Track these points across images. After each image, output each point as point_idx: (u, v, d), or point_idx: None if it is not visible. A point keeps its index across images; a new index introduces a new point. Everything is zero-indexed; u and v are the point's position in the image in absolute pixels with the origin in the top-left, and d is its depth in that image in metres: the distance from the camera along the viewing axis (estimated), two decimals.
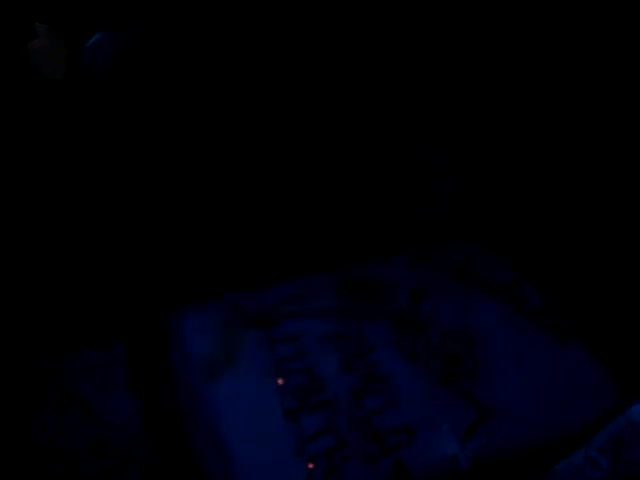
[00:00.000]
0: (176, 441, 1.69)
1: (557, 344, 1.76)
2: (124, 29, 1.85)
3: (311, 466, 1.53)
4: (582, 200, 2.03)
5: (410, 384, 1.66)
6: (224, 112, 1.97)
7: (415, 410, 1.62)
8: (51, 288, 1.91)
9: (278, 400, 1.62)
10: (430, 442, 1.58)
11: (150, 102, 1.87)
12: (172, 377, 1.75)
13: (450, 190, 2.17)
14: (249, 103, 1.99)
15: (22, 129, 1.82)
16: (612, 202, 1.98)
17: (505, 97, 2.06)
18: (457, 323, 1.77)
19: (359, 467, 1.54)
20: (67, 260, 1.91)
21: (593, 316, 1.86)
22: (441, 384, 1.66)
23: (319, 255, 2.04)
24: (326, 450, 1.56)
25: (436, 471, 1.55)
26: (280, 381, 1.66)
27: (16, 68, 1.79)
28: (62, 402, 1.76)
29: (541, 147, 2.09)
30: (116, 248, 1.89)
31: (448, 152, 2.17)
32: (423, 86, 2.05)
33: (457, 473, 1.56)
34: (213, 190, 2.04)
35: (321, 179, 2.05)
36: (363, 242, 2.16)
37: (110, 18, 1.88)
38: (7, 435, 1.71)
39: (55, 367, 1.81)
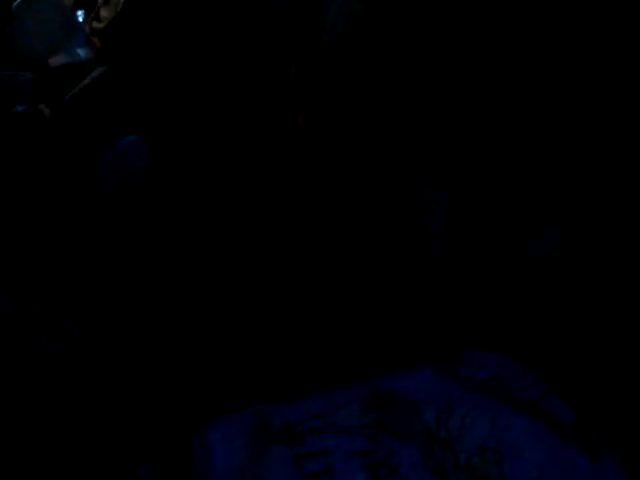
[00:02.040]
0: None
1: (588, 460, 1.73)
2: None
3: None
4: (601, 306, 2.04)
5: None
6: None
7: None
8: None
9: None
10: None
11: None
12: None
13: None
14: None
15: None
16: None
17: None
18: (486, 440, 1.74)
19: None
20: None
21: (622, 424, 1.83)
22: None
23: (342, 364, 2.04)
24: None
25: None
26: None
27: None
28: None
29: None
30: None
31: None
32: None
33: None
34: (230, 304, 2.07)
35: (340, 292, 2.08)
36: (386, 349, 2.15)
37: None
38: None
39: None
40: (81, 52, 2.68)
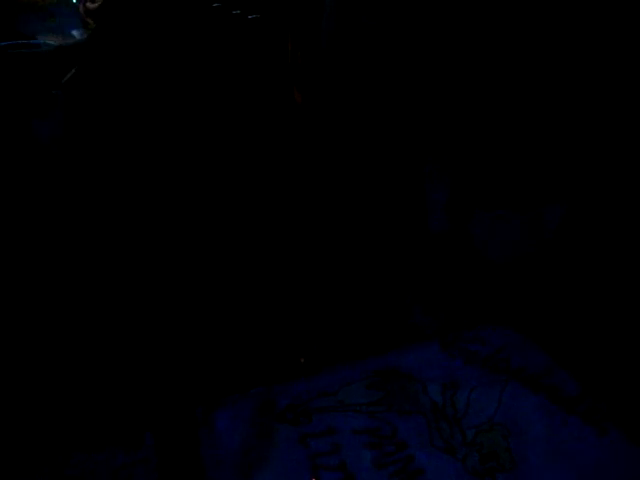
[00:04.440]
0: None
1: (594, 433, 1.72)
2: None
3: None
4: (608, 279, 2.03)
5: None
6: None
7: None
8: (78, 381, 1.91)
9: None
10: None
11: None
12: (203, 474, 1.72)
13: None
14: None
15: None
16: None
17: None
18: (492, 415, 1.74)
19: None
20: (94, 353, 1.92)
21: (627, 395, 1.83)
22: (478, 479, 1.63)
23: (348, 344, 2.03)
24: None
25: None
26: (314, 479, 1.63)
27: None
28: None
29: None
30: (145, 341, 1.89)
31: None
32: None
33: None
34: (240, 284, 2.06)
35: (349, 269, 2.07)
36: (391, 327, 2.15)
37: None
38: None
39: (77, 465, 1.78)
40: (75, 33, 2.64)
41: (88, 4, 2.49)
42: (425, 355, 1.92)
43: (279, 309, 2.06)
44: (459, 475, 1.62)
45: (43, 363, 1.89)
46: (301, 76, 2.14)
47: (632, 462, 1.66)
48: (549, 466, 1.63)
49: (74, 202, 1.86)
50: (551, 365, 1.88)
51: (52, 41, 2.56)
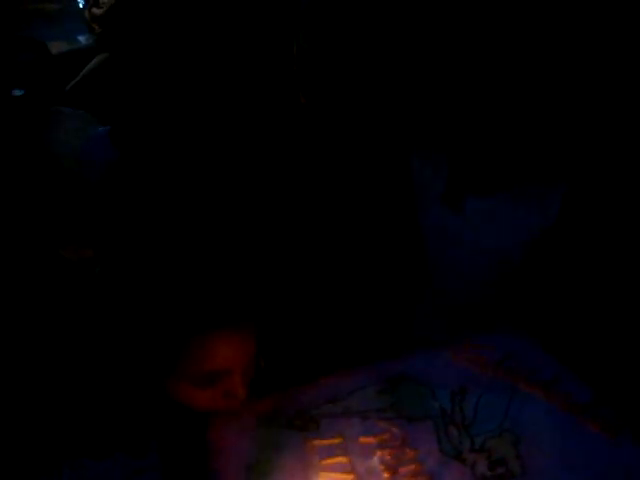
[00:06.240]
0: None
1: (606, 439, 1.70)
2: None
3: None
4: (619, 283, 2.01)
5: None
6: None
7: None
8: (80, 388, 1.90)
9: None
10: None
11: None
12: None
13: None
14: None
15: None
16: None
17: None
18: (502, 422, 1.71)
19: None
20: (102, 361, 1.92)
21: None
22: None
23: (356, 349, 2.02)
24: None
25: None
26: None
27: None
28: None
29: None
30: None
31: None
32: None
33: None
34: (243, 289, 2.05)
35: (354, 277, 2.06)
36: (399, 331, 2.13)
37: None
38: None
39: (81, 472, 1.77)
40: (81, 38, 2.66)
41: (94, 10, 2.49)
42: (433, 360, 1.90)
43: (283, 315, 2.06)
44: None
45: (48, 369, 1.89)
46: (305, 80, 2.14)
47: None
48: (560, 473, 1.61)
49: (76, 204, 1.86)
50: (562, 371, 1.86)
51: (58, 46, 2.57)
